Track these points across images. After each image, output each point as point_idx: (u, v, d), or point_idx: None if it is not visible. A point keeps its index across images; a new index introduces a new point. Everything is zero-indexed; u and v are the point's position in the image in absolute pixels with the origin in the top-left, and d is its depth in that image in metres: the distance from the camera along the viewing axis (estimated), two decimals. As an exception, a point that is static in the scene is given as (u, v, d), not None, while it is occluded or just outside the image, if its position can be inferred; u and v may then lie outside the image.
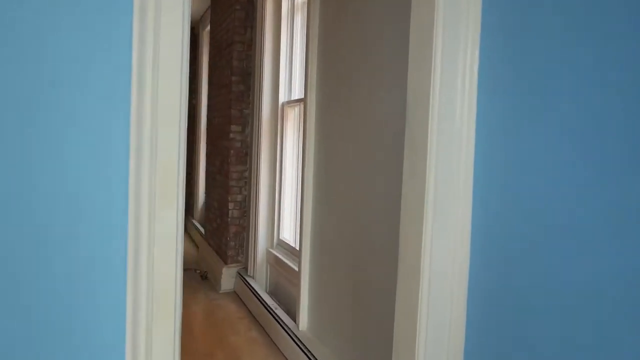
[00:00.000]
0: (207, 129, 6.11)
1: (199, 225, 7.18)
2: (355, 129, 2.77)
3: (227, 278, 4.86)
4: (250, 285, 4.41)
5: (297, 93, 4.27)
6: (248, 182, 4.86)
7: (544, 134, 1.42)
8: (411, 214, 1.73)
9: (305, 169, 3.41)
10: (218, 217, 5.32)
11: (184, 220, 1.51)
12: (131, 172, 1.38)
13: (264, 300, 4.05)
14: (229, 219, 4.88)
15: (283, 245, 4.32)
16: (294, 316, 3.62)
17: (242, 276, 4.67)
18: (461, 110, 1.63)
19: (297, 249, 3.88)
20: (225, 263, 4.92)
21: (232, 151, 4.85)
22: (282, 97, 4.41)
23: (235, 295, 4.73)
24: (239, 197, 4.90)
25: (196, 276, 5.35)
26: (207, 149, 6.05)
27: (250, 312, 4.26)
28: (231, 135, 4.84)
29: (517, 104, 1.51)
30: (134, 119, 1.37)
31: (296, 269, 3.78)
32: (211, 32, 5.97)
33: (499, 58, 1.58)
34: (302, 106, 3.95)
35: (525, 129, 1.49)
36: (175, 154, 1.44)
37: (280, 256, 4.20)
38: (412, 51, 1.74)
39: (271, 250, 4.43)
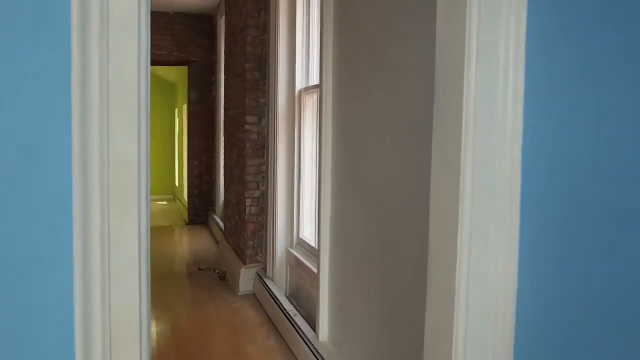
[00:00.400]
0: (224, 121, 5.81)
1: (220, 222, 6.91)
2: (379, 115, 2.40)
3: (246, 279, 4.56)
4: (269, 288, 4.09)
5: (315, 78, 3.91)
6: (265, 176, 4.54)
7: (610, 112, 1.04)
8: (442, 215, 1.37)
9: (322, 160, 3.07)
10: (236, 214, 5.01)
11: (148, 234, 1.17)
12: (75, 172, 1.05)
13: (282, 305, 3.73)
14: (246, 216, 4.57)
15: (303, 245, 3.98)
16: (314, 324, 3.29)
17: (261, 278, 4.36)
18: (504, 83, 1.25)
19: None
20: (244, 263, 4.61)
21: (247, 144, 4.52)
22: (300, 84, 4.06)
23: (254, 297, 4.42)
24: (257, 193, 4.58)
25: (214, 276, 5.07)
26: (224, 142, 5.75)
27: (269, 317, 3.94)
28: (246, 126, 4.51)
29: (581, 71, 1.13)
30: (75, 97, 1.03)
31: (316, 271, 3.45)
32: (226, 17, 5.66)
33: (553, 16, 1.19)
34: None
35: (588, 103, 1.11)
36: (134, 147, 1.10)
37: (300, 257, 3.87)
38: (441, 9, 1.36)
39: (291, 250, 4.10)
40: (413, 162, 2.04)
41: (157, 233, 7.34)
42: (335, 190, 2.97)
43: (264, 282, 4.25)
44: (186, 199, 8.53)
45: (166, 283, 4.87)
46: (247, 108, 4.50)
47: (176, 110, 11.91)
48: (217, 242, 6.62)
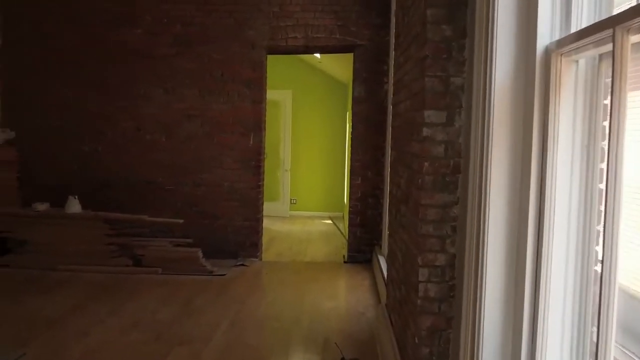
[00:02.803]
0: (392, 123, 3.72)
1: (383, 265, 4.84)
2: None
3: (413, 422, 2.41)
4: None
5: (590, 15, 1.65)
6: (460, 229, 2.34)
7: None
8: None
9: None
10: (402, 284, 2.89)
11: None
12: None
13: None
14: (419, 301, 2.42)
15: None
16: None
17: None
18: None
19: None
20: (411, 387, 2.47)
21: (426, 163, 2.37)
22: (547, 36, 1.81)
23: None
24: (441, 259, 2.39)
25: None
26: (391, 155, 3.66)
27: None
28: (425, 131, 2.36)
29: None
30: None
31: None
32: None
33: None
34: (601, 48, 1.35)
35: None
36: None
37: None
38: None
39: (513, 405, 1.86)
40: None
41: (306, 275, 5.52)
42: None
43: None
44: (347, 228, 6.63)
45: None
46: (427, 95, 2.35)
47: (347, 114, 10.20)
48: (379, 300, 4.56)
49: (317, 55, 8.17)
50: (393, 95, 3.56)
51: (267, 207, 9.92)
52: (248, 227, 5.93)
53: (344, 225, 8.99)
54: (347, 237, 6.34)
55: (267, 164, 10.06)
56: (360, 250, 5.98)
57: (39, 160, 5.98)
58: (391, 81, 4.99)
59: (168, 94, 5.86)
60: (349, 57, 6.36)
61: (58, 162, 5.97)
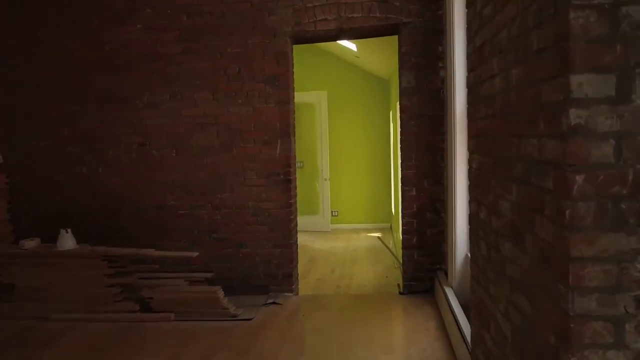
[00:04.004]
0: (469, 113, 2.55)
1: (456, 304, 3.68)
2: None
3: None
4: None
5: None
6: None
7: None
8: None
9: None
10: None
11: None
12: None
13: None
14: None
15: None
16: None
17: None
18: None
19: None
20: None
21: (577, 178, 1.23)
22: None
23: None
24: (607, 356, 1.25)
25: None
26: (473, 163, 2.50)
27: None
28: (572, 115, 1.22)
29: None
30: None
31: None
32: None
33: None
34: None
35: None
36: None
37: None
38: None
39: None
40: None
41: (353, 315, 4.38)
42: None
43: None
44: (398, 247, 5.47)
45: None
46: (575, 44, 1.21)
47: (390, 113, 9.04)
48: (452, 353, 3.40)
49: (354, 47, 7.08)
50: (470, 71, 2.40)
51: (306, 221, 8.89)
52: (279, 256, 4.85)
53: (394, 241, 7.83)
54: (400, 259, 5.19)
55: (304, 174, 9.02)
56: (418, 277, 4.82)
57: (33, 186, 5.09)
58: (455, 60, 3.84)
59: (176, 100, 4.87)
60: (391, 44, 5.23)
61: (54, 187, 5.06)
